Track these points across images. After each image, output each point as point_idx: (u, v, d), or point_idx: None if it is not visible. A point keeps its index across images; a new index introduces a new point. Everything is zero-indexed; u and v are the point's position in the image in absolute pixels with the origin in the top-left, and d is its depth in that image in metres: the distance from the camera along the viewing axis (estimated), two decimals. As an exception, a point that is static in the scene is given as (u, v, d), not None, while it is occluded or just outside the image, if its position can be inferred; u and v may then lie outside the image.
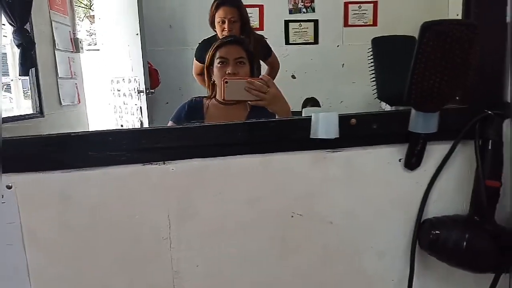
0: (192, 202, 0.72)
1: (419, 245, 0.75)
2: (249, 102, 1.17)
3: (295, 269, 0.77)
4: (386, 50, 0.79)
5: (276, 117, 1.10)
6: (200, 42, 2.24)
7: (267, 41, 2.22)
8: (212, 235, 0.74)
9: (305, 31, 3.41)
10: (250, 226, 0.74)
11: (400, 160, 0.75)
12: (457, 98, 0.72)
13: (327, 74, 3.31)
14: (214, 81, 1.43)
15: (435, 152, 0.75)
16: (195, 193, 0.72)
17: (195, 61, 2.26)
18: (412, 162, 0.74)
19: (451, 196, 0.77)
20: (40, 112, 2.29)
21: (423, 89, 0.65)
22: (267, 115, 1.17)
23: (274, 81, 1.06)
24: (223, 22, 1.97)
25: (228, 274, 0.75)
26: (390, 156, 0.75)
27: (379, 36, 0.80)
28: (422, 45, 0.62)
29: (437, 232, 0.71)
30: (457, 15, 0.75)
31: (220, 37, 1.98)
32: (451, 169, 0.76)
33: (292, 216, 0.75)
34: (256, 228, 0.74)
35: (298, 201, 0.75)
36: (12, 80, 2.93)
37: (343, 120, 0.71)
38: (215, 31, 2.07)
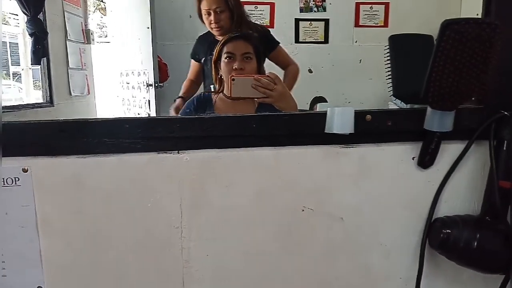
0: (204, 192, 0.73)
1: (429, 244, 0.75)
2: (256, 99, 1.17)
3: (300, 263, 0.77)
4: (403, 48, 0.79)
5: None
6: (196, 38, 2.09)
7: (272, 34, 1.99)
8: (222, 225, 0.74)
9: (315, 30, 3.41)
10: (260, 218, 0.75)
11: (413, 158, 0.75)
12: (473, 98, 0.72)
13: (338, 73, 3.31)
14: (221, 76, 1.44)
15: (448, 151, 0.75)
16: (207, 183, 0.73)
17: (192, 62, 2.06)
18: (426, 160, 0.74)
19: (463, 196, 0.77)
20: (50, 101, 2.30)
21: (441, 87, 0.65)
22: (274, 112, 1.18)
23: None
24: (209, 14, 1.77)
25: (236, 265, 0.76)
26: (403, 153, 0.75)
27: (396, 34, 0.80)
28: (442, 43, 0.62)
29: (448, 231, 0.71)
30: (477, 14, 0.75)
31: (210, 30, 1.85)
32: (464, 169, 0.76)
33: (303, 210, 0.75)
34: (265, 220, 0.75)
35: (309, 195, 0.75)
36: (23, 69, 2.95)
37: (358, 116, 0.71)
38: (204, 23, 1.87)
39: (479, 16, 0.72)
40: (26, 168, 0.69)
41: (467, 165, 0.76)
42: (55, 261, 0.72)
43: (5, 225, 0.70)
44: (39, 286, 0.72)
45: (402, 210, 0.77)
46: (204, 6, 1.79)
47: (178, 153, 0.71)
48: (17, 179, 0.68)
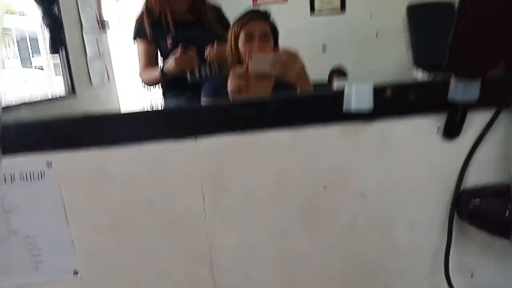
0: (224, 176, 0.73)
1: (458, 215, 0.73)
2: (274, 76, 1.16)
3: (325, 240, 0.77)
4: (422, 18, 0.74)
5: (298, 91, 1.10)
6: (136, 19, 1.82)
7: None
8: (245, 208, 0.74)
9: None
10: (282, 199, 0.74)
11: (438, 129, 0.72)
12: (500, 64, 0.68)
13: (356, 42, 3.19)
14: (238, 56, 1.42)
15: (475, 120, 0.71)
16: (227, 168, 0.73)
17: (142, 43, 1.79)
18: (451, 131, 0.71)
19: (492, 165, 0.74)
20: (72, 92, 2.35)
21: (465, 53, 0.61)
22: (290, 87, 1.17)
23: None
24: None
25: (261, 245, 0.76)
26: (427, 126, 0.72)
27: (414, 4, 0.75)
28: (465, 6, 0.58)
29: (477, 200, 0.68)
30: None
31: (164, 12, 1.71)
32: (492, 138, 0.72)
33: (325, 189, 0.74)
34: (288, 201, 0.75)
35: (330, 174, 0.74)
36: (45, 60, 2.99)
37: (378, 91, 0.68)
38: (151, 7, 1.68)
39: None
40: (50, 161, 0.71)
41: (496, 134, 0.72)
42: (86, 247, 0.74)
43: (37, 217, 0.72)
44: (75, 270, 0.75)
45: (428, 183, 0.75)
46: None
47: (196, 139, 0.71)
48: (42, 173, 0.70)
